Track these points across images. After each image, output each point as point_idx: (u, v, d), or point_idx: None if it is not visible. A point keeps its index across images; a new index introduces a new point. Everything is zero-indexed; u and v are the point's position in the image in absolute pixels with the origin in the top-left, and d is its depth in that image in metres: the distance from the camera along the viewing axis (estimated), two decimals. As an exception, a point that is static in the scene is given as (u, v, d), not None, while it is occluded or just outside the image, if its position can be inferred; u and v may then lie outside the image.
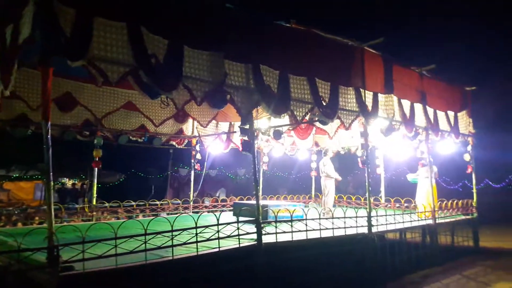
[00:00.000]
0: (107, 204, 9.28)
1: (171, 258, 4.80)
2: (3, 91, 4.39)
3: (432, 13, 21.33)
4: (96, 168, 9.06)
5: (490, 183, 19.08)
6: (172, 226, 5.01)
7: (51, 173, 4.00)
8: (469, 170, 11.00)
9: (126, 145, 9.70)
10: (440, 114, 9.85)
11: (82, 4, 4.24)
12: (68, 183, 20.13)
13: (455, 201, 10.32)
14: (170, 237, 4.94)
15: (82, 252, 4.20)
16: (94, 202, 9.11)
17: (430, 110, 9.46)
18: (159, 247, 4.82)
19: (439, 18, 21.19)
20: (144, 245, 4.65)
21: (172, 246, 4.90)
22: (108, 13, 4.43)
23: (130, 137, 9.60)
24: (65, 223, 8.04)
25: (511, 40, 20.12)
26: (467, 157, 10.96)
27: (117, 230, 4.60)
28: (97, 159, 8.87)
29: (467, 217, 10.57)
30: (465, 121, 10.86)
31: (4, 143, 13.53)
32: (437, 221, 9.23)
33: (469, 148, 10.96)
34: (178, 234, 5.05)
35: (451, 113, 10.30)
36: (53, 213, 4.01)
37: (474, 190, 11.07)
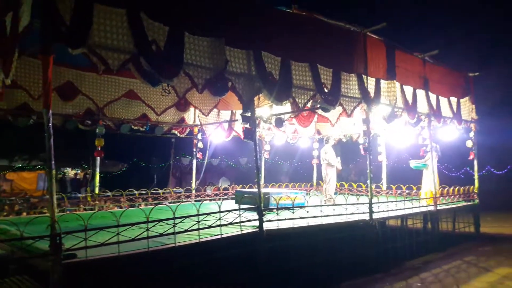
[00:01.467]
0: (109, 193, 9.31)
1: (173, 245, 4.83)
2: (4, 80, 4.37)
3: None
4: (99, 158, 9.09)
5: (492, 169, 19.07)
6: (174, 214, 5.03)
7: (53, 162, 4.00)
8: (471, 157, 10.99)
9: (128, 134, 9.71)
10: (443, 100, 9.80)
11: (81, -10, 4.19)
12: (71, 173, 20.18)
13: (456, 188, 10.33)
14: (172, 224, 4.97)
15: (85, 240, 4.23)
16: (97, 192, 9.15)
17: (433, 96, 9.41)
18: (161, 235, 4.85)
19: (442, 2, 20.94)
20: (146, 232, 4.68)
21: (175, 233, 4.93)
22: (107, -1, 4.38)
23: (132, 126, 9.60)
24: (68, 212, 8.09)
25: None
26: (469, 144, 10.93)
27: (119, 218, 4.62)
28: (99, 148, 8.89)
29: (469, 203, 10.59)
30: (468, 107, 10.80)
31: (7, 133, 13.57)
32: (438, 208, 9.25)
33: (471, 134, 10.93)
34: (180, 222, 5.08)
35: (453, 99, 10.24)
36: (55, 201, 4.02)
37: (476, 177, 11.07)
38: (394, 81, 8.16)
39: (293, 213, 6.36)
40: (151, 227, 4.73)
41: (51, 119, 4.05)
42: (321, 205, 6.82)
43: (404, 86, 8.47)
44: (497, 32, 20.43)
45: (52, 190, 4.01)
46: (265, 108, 8.99)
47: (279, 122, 8.75)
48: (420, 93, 8.98)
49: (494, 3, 20.09)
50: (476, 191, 10.85)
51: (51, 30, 3.96)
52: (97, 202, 9.02)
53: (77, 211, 8.43)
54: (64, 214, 7.30)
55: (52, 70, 4.13)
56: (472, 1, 20.31)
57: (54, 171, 4.02)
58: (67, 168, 19.67)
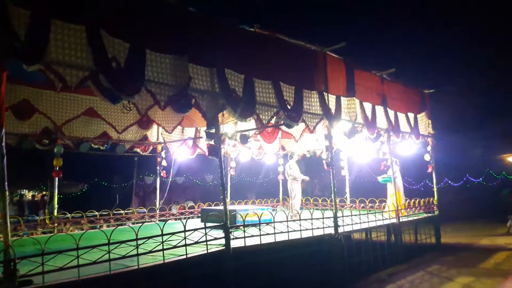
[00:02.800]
0: (69, 215, 8.94)
1: (136, 267, 4.67)
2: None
3: (393, 17, 22.04)
4: (57, 178, 8.73)
5: (450, 182, 19.87)
6: (136, 235, 4.88)
7: (6, 183, 3.81)
8: (429, 170, 11.41)
9: (88, 153, 9.40)
10: (401, 116, 10.17)
11: (38, 6, 4.08)
12: (28, 194, 19.32)
13: (417, 200, 10.65)
14: (135, 246, 4.81)
15: (42, 264, 4.02)
16: (56, 214, 8.75)
17: (391, 112, 9.75)
18: (124, 257, 4.69)
19: (400, 22, 21.93)
20: (108, 255, 4.51)
21: (138, 255, 4.77)
22: (66, 15, 4.29)
23: (92, 145, 9.31)
24: (24, 236, 7.68)
25: (469, 43, 21.08)
26: (427, 157, 11.37)
27: (79, 240, 4.43)
28: (57, 168, 8.56)
29: (429, 215, 10.95)
30: (424, 123, 11.26)
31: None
32: (401, 220, 9.49)
33: (429, 148, 11.37)
34: (143, 243, 4.93)
35: (411, 115, 10.65)
36: (9, 224, 3.81)
37: (435, 189, 11.48)
38: (354, 98, 8.41)
39: (259, 229, 6.33)
40: (112, 249, 4.56)
41: (3, 138, 3.88)
42: (287, 221, 6.82)
43: (363, 103, 8.74)
44: (452, 50, 21.57)
45: (5, 213, 3.80)
46: (230, 124, 8.99)
47: (244, 139, 8.77)
48: (379, 109, 9.29)
49: (450, 22, 21.25)
50: (436, 203, 11.24)
51: (4, 45, 3.81)
52: (56, 224, 8.62)
53: (35, 235, 8.02)
54: (20, 238, 6.93)
55: (6, 87, 3.97)
56: (428, 20, 21.38)
57: (7, 193, 3.82)
58: (24, 190, 18.82)
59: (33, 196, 19.15)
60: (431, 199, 11.20)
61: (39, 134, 8.40)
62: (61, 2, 4.37)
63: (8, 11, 3.85)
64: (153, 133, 10.60)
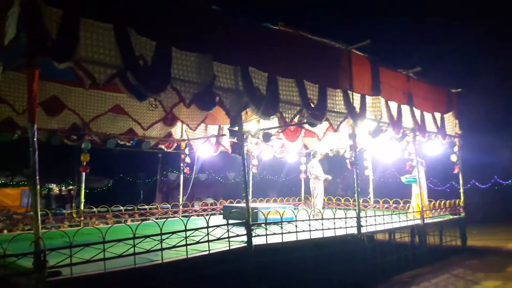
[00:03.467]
0: (95, 209, 9.16)
1: (160, 261, 4.75)
2: (-13, 94, 4.32)
3: (419, 15, 21.61)
4: (84, 173, 8.97)
5: (477, 183, 19.34)
6: (161, 230, 4.96)
7: (37, 177, 3.94)
8: (456, 171, 11.14)
9: (114, 149, 9.62)
10: (427, 116, 9.97)
11: (69, 5, 4.19)
12: (55, 189, 19.87)
13: (443, 201, 10.43)
14: (159, 240, 4.90)
15: (70, 257, 4.14)
16: (82, 208, 8.99)
17: (417, 112, 9.56)
18: (148, 251, 4.78)
19: (426, 20, 21.47)
20: (133, 248, 4.60)
21: (162, 249, 4.85)
22: (95, 14, 4.39)
23: (118, 141, 9.52)
24: (52, 229, 7.92)
25: (496, 41, 20.46)
26: (453, 158, 11.10)
27: (105, 234, 4.54)
28: (84, 163, 8.79)
29: (455, 217, 10.69)
30: (451, 122, 11.00)
31: (-11, 149, 13.32)
32: (425, 221, 9.32)
33: (455, 149, 11.10)
34: (167, 238, 5.01)
35: (437, 115, 10.42)
36: (39, 217, 3.94)
37: (461, 190, 11.21)
38: (379, 96, 8.29)
39: (281, 227, 6.33)
40: (137, 243, 4.65)
41: (36, 133, 4.00)
42: (309, 219, 6.80)
43: (389, 102, 8.61)
44: (480, 49, 20.97)
45: (36, 206, 3.93)
46: (252, 122, 9.02)
47: (267, 137, 8.78)
48: (405, 108, 9.13)
49: (477, 19, 20.66)
50: (462, 205, 10.97)
51: (37, 44, 3.94)
52: (82, 218, 8.86)
53: (62, 228, 8.26)
54: (49, 231, 7.15)
55: (37, 85, 4.10)
56: (454, 18, 20.85)
57: (38, 187, 3.95)
58: (52, 184, 19.37)
59: (60, 190, 19.68)
60: (457, 200, 10.94)
61: (67, 130, 8.64)
62: (91, 1, 4.49)
63: (41, 11, 3.97)
64: (177, 130, 10.75)
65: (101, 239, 4.44)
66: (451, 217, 10.55)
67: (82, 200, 9.06)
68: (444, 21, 20.87)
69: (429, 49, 20.64)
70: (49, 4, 4.03)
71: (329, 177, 10.70)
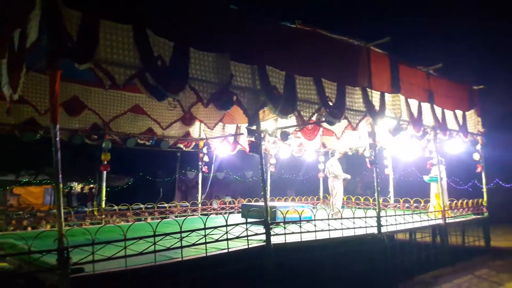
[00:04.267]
0: (116, 207, 9.32)
1: (180, 259, 4.80)
2: (12, 95, 4.44)
3: (438, 11, 21.18)
4: (105, 172, 9.12)
5: (501, 182, 18.86)
6: (180, 228, 5.01)
7: (60, 176, 4.02)
8: (478, 170, 10.89)
9: (134, 149, 9.75)
10: (448, 113, 9.78)
11: (88, 7, 4.27)
12: (77, 187, 20.27)
13: (465, 201, 10.22)
14: (179, 238, 4.95)
15: (92, 254, 4.22)
16: (103, 206, 9.16)
17: (438, 109, 9.39)
18: (168, 249, 4.83)
19: (446, 16, 21.03)
20: (153, 246, 4.66)
21: (181, 247, 4.91)
22: (114, 15, 4.47)
23: (138, 140, 9.65)
24: (74, 227, 8.09)
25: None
26: (476, 156, 10.86)
27: (126, 232, 4.61)
28: (105, 162, 8.93)
29: (478, 216, 10.46)
30: (473, 120, 10.76)
31: (13, 148, 13.68)
32: (447, 221, 9.15)
33: (478, 147, 10.85)
34: (187, 236, 5.06)
35: (459, 112, 10.21)
36: (62, 215, 4.03)
37: (484, 190, 10.94)
38: (399, 94, 8.16)
39: (300, 227, 6.31)
40: (158, 241, 4.71)
41: (58, 133, 4.09)
42: (328, 219, 6.75)
43: (409, 100, 8.48)
44: (501, 46, 20.44)
45: (59, 204, 4.02)
46: (270, 121, 9.01)
47: (285, 136, 8.76)
48: (425, 106, 8.97)
49: (498, 17, 20.15)
50: (485, 204, 10.72)
51: (58, 46, 4.02)
52: (103, 216, 9.02)
53: (84, 226, 8.42)
54: (71, 229, 7.31)
55: (59, 85, 4.19)
56: (475, 15, 20.37)
57: (61, 185, 4.04)
58: (74, 183, 19.76)
59: (81, 188, 20.07)
60: (480, 200, 10.70)
61: (88, 129, 8.80)
62: (109, 3, 4.56)
63: (61, 13, 4.05)
64: (195, 130, 10.84)
65: (122, 237, 4.51)
66: (474, 216, 10.33)
67: (103, 198, 9.23)
68: (465, 17, 20.40)
69: (450, 46, 20.22)
70: (69, 6, 4.11)
71: (348, 176, 10.61)
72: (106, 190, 9.44)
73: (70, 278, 3.92)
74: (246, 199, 11.28)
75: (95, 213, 9.11)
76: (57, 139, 4.06)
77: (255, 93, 5.93)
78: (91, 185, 19.13)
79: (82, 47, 4.22)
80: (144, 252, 4.61)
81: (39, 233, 4.64)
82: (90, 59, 4.25)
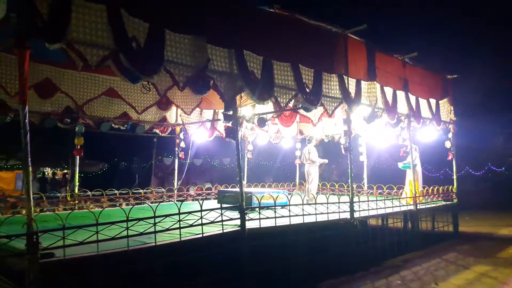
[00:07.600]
0: (89, 193, 9.17)
1: (153, 244, 4.78)
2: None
3: (415, 1, 21.45)
4: (78, 157, 8.92)
5: (471, 170, 19.48)
6: (154, 213, 4.98)
7: (29, 159, 3.91)
8: (450, 157, 11.20)
9: (108, 133, 9.56)
10: (422, 102, 9.97)
11: (60, -15, 4.12)
12: (49, 172, 19.84)
13: (436, 188, 10.51)
14: (153, 223, 4.91)
15: (63, 238, 4.15)
16: (76, 191, 8.99)
17: (412, 98, 9.56)
18: (142, 234, 4.80)
19: (422, 5, 21.32)
20: (126, 231, 4.62)
21: (155, 232, 4.88)
22: (87, -6, 4.32)
23: (113, 125, 9.45)
24: (47, 212, 7.92)
25: (492, 28, 20.39)
26: (448, 144, 11.15)
27: (98, 217, 4.55)
28: (78, 147, 8.73)
29: (448, 203, 10.79)
30: (446, 109, 11.02)
31: (-18, 132, 13.22)
32: (418, 207, 9.40)
33: (450, 135, 11.14)
34: (161, 221, 5.02)
35: (432, 101, 10.43)
36: (32, 199, 3.93)
37: (455, 177, 11.28)
38: (375, 82, 8.26)
39: (275, 212, 6.37)
40: (131, 226, 4.67)
41: (27, 115, 3.97)
42: (302, 204, 6.84)
43: (384, 87, 8.59)
44: (476, 36, 20.90)
45: (28, 188, 3.92)
46: (248, 107, 9.00)
47: (262, 122, 8.77)
48: (400, 94, 9.12)
49: (473, 7, 20.54)
50: (455, 191, 11.05)
51: (28, 24, 3.88)
52: (76, 202, 8.86)
53: (56, 211, 8.26)
54: (43, 214, 7.16)
55: (29, 66, 4.04)
56: (451, 5, 20.72)
57: (30, 169, 3.93)
58: (46, 168, 19.32)
59: (54, 173, 19.64)
60: (450, 187, 11.03)
61: (61, 113, 8.57)
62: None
63: (31, -10, 3.89)
64: (172, 115, 10.71)
65: (95, 222, 4.45)
66: (444, 203, 10.66)
67: (77, 183, 9.06)
68: (441, 7, 20.73)
69: (426, 35, 20.55)
70: (40, -16, 3.95)
71: (326, 161, 10.76)
72: (80, 176, 9.29)
73: (39, 263, 3.85)
74: (223, 185, 11.29)
75: (68, 198, 8.94)
76: (26, 121, 3.94)
77: (232, 78, 5.88)
78: (65, 170, 18.75)
79: (53, 26, 4.06)
80: (117, 237, 4.56)
81: (6, 218, 4.52)
82: (62, 39, 4.10)
